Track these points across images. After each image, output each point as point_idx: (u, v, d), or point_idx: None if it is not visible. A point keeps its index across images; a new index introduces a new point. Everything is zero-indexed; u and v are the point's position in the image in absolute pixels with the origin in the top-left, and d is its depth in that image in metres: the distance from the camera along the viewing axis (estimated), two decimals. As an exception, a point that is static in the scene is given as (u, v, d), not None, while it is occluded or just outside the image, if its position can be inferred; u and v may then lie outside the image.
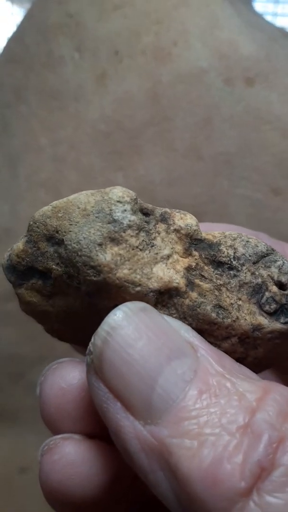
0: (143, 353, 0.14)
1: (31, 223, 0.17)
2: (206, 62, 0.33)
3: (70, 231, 0.16)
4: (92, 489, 0.17)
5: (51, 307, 0.17)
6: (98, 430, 0.17)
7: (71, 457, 0.17)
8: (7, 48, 0.40)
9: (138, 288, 0.15)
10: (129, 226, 0.15)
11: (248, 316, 0.16)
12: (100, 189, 0.16)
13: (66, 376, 0.17)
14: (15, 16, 0.58)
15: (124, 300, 0.15)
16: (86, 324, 0.17)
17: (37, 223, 0.17)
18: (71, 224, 0.16)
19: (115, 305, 0.15)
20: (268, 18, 0.52)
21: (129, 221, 0.15)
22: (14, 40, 0.40)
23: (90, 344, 0.15)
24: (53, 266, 0.16)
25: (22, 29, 0.39)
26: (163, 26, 0.34)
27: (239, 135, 0.34)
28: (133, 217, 0.15)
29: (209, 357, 0.14)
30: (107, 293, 0.15)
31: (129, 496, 0.18)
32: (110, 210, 0.15)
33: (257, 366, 0.17)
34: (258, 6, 0.55)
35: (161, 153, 0.35)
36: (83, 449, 0.17)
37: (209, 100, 0.34)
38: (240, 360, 0.17)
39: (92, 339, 0.14)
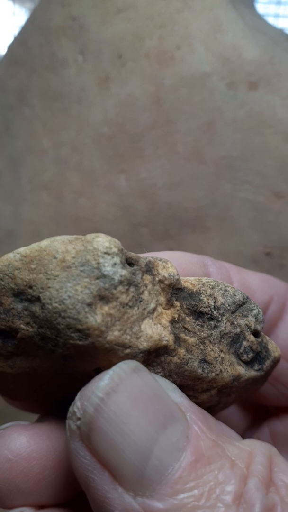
0: (139, 422, 0.13)
1: None
2: (209, 66, 0.33)
3: (49, 287, 0.13)
4: None
5: (9, 368, 0.15)
6: (51, 498, 0.16)
7: None
8: (10, 50, 0.40)
9: (128, 351, 0.14)
10: (120, 282, 0.13)
11: (230, 367, 0.16)
12: (78, 235, 0.14)
13: (12, 446, 0.15)
14: (18, 18, 0.58)
15: (109, 363, 0.14)
16: (52, 386, 0.16)
17: (1, 275, 0.14)
18: (48, 279, 0.13)
19: (97, 369, 0.14)
20: (270, 19, 0.52)
21: (121, 276, 0.13)
22: (17, 43, 0.40)
23: (74, 408, 0.13)
24: (21, 326, 0.14)
25: (25, 31, 0.39)
26: (167, 30, 0.34)
27: (241, 139, 0.34)
28: (124, 272, 0.14)
29: (197, 419, 0.13)
30: (91, 357, 0.14)
31: None
32: (98, 263, 0.13)
33: (223, 409, 0.17)
34: (260, 8, 0.55)
35: (164, 156, 0.35)
36: None
37: (212, 104, 0.34)
38: (211, 407, 0.17)
39: (78, 404, 0.13)
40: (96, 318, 0.13)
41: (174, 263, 0.16)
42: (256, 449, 0.13)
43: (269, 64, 0.33)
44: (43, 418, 0.18)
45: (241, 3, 0.36)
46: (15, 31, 0.41)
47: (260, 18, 0.38)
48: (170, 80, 0.34)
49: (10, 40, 0.41)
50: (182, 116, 0.34)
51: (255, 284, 0.20)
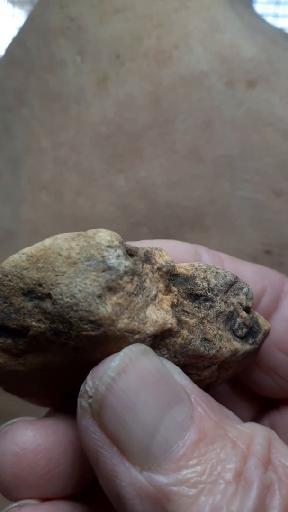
0: (147, 401, 0.13)
1: (0, 276, 0.15)
2: (207, 65, 0.33)
3: (59, 284, 0.14)
4: None
5: (21, 366, 0.16)
6: (57, 491, 0.17)
7: None
8: (8, 51, 0.40)
9: (137, 336, 0.14)
10: (125, 272, 0.14)
11: (227, 343, 0.17)
12: (79, 232, 0.15)
13: (19, 440, 0.16)
14: (16, 19, 0.58)
15: (119, 350, 0.14)
16: (62, 379, 0.16)
17: (10, 276, 0.15)
18: (57, 275, 0.14)
19: (107, 356, 0.14)
20: (269, 19, 0.52)
21: (125, 267, 0.14)
22: (16, 44, 0.40)
23: (86, 387, 0.14)
24: (33, 323, 0.15)
25: (23, 32, 0.40)
26: (164, 30, 0.34)
27: (240, 137, 0.34)
28: (127, 263, 0.14)
29: (201, 401, 0.14)
30: (102, 346, 0.14)
31: None
32: (103, 257, 0.14)
33: (221, 383, 0.18)
34: (259, 8, 0.55)
35: (162, 155, 0.35)
36: None
37: (210, 103, 0.34)
38: (211, 384, 0.18)
39: (90, 383, 0.14)
40: (106, 308, 0.14)
41: (167, 251, 0.17)
42: (256, 432, 0.14)
43: (267, 62, 0.33)
44: (50, 413, 0.18)
45: (238, 2, 0.36)
46: (15, 32, 0.41)
47: (258, 17, 0.38)
48: (168, 79, 0.34)
49: (9, 42, 0.41)
50: (181, 115, 0.34)
51: (248, 274, 0.20)
